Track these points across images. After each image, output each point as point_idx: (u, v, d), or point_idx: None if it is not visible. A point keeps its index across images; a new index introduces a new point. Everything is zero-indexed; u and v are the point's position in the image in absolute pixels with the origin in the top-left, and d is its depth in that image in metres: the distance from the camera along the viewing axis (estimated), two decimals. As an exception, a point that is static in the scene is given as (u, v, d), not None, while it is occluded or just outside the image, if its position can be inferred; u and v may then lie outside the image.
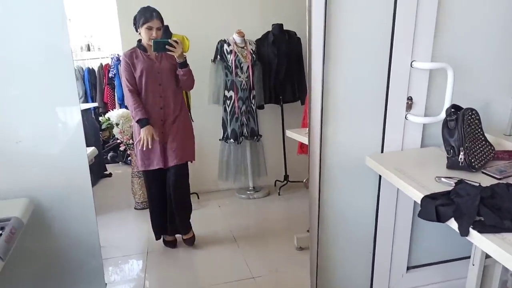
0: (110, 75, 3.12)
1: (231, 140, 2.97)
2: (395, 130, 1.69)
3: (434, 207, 1.16)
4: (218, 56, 2.89)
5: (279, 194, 3.10)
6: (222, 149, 3.04)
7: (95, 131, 2.81)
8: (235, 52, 2.87)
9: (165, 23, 2.25)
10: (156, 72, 2.24)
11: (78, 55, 3.13)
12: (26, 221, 1.27)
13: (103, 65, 3.18)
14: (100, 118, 2.69)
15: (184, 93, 2.42)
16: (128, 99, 2.25)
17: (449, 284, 2.00)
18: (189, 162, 2.48)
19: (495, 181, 1.30)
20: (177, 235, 2.53)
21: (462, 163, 1.38)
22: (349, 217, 1.82)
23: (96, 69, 3.22)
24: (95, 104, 3.12)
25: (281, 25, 2.92)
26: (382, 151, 1.72)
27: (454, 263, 2.00)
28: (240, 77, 2.90)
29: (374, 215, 1.82)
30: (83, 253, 1.58)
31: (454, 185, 1.24)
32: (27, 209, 1.32)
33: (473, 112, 1.44)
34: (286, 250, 2.39)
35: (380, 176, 1.73)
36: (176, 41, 2.13)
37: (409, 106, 1.67)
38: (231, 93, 2.91)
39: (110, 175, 3.06)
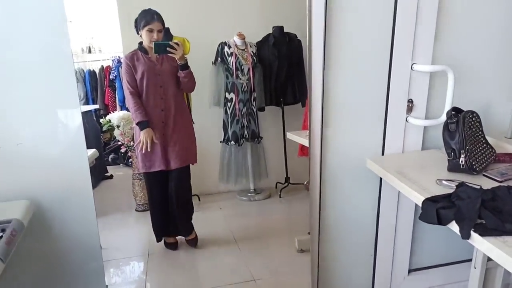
0: (111, 77, 3.12)
1: (232, 142, 2.98)
2: (396, 133, 1.69)
3: (435, 210, 1.16)
4: (219, 58, 2.90)
5: (280, 196, 3.10)
6: (223, 151, 3.04)
7: (96, 133, 2.82)
8: (236, 54, 2.87)
9: (166, 26, 2.25)
10: (157, 74, 2.24)
11: (79, 57, 3.14)
12: (26, 223, 1.27)
13: (104, 67, 3.19)
14: (101, 120, 2.70)
15: (184, 95, 2.42)
16: (129, 101, 2.26)
17: (451, 287, 1.99)
18: (190, 164, 2.49)
19: (496, 184, 1.29)
20: (178, 238, 2.53)
21: (463, 165, 1.38)
22: (350, 220, 1.81)
23: (97, 71, 3.23)
24: (96, 106, 3.13)
25: (282, 27, 2.93)
26: (383, 154, 1.72)
27: (456, 265, 1.99)
28: (240, 79, 2.90)
29: (375, 217, 1.82)
30: (84, 255, 1.58)
31: (455, 187, 1.24)
32: (27, 211, 1.32)
33: (474, 114, 1.44)
34: (287, 252, 2.39)
35: (381, 179, 1.73)
36: (177, 43, 2.14)
37: (409, 109, 1.66)
38: (232, 95, 2.91)
39: (111, 177, 3.06)
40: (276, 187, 3.17)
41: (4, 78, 1.35)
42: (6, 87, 1.36)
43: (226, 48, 2.89)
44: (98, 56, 3.17)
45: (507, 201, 1.12)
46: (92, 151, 1.86)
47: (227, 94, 2.93)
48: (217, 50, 2.91)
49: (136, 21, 2.22)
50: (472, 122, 1.43)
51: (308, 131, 1.65)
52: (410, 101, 1.65)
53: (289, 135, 2.51)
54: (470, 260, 1.69)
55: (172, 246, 2.49)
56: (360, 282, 1.93)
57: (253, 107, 2.98)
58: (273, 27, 2.94)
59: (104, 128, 2.67)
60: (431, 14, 1.56)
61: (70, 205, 1.50)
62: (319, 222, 1.76)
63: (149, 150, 2.23)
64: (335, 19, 1.51)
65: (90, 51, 3.16)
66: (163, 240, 2.50)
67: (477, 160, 1.40)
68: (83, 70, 3.20)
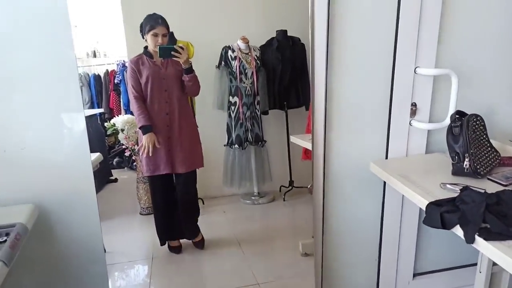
0: (115, 81, 3.14)
1: (236, 145, 2.98)
2: (400, 136, 1.68)
3: (439, 214, 1.15)
4: (223, 62, 2.91)
5: (284, 200, 3.10)
6: (227, 154, 3.05)
7: (101, 136, 2.83)
8: (240, 58, 2.88)
9: (170, 30, 2.27)
10: (161, 78, 2.25)
11: (85, 61, 3.17)
12: (30, 227, 1.28)
13: (109, 71, 3.21)
14: (106, 124, 2.71)
15: (189, 98, 2.43)
16: (133, 105, 2.27)
17: (456, 291, 1.98)
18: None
19: (501, 188, 1.28)
20: (183, 241, 2.54)
21: (467, 169, 1.37)
22: (354, 223, 1.80)
23: (102, 75, 3.25)
24: (101, 110, 3.15)
25: (285, 31, 2.94)
26: (386, 157, 1.71)
27: (461, 270, 1.97)
28: (244, 83, 2.91)
29: (379, 221, 1.81)
30: (88, 258, 1.59)
31: (459, 191, 1.23)
32: (31, 215, 1.33)
33: (478, 118, 1.43)
34: (291, 256, 2.39)
35: (384, 182, 1.72)
36: (181, 47, 2.15)
37: (413, 112, 1.66)
38: (236, 98, 2.92)
39: (115, 180, 3.08)
40: (280, 190, 3.17)
41: (8, 82, 1.36)
42: (11, 92, 1.37)
43: (229, 52, 2.90)
44: (103, 60, 3.19)
45: (511, 205, 1.11)
46: (96, 154, 1.87)
47: (230, 97, 2.94)
48: (221, 54, 2.92)
49: (141, 25, 2.23)
50: (476, 126, 1.42)
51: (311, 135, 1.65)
52: (414, 105, 1.65)
53: (293, 139, 2.51)
54: (475, 264, 1.67)
55: (176, 250, 2.49)
56: (364, 286, 1.91)
57: (256, 110, 2.99)
58: (276, 31, 2.95)
59: (109, 132, 2.69)
60: (434, 18, 1.56)
61: (74, 209, 1.50)
62: (322, 226, 1.75)
63: (150, 154, 2.24)
64: (337, 22, 1.52)
65: (95, 56, 3.19)
66: (167, 244, 2.50)
67: (482, 163, 1.39)
68: (88, 74, 3.23)
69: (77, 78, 1.41)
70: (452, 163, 1.43)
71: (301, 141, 2.35)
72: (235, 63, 2.88)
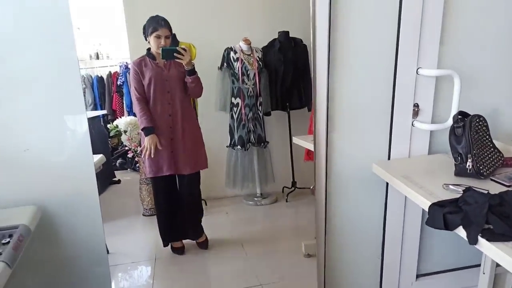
0: (118, 82, 3.15)
1: (238, 146, 2.98)
2: (402, 137, 1.68)
3: (441, 215, 1.15)
4: (225, 64, 2.91)
5: (286, 201, 3.09)
6: (229, 155, 3.05)
7: (104, 138, 2.84)
8: (242, 60, 2.88)
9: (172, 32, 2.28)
10: (164, 79, 2.26)
11: (87, 63, 3.18)
12: (33, 228, 1.28)
13: (112, 73, 3.22)
14: (109, 125, 2.72)
15: (191, 100, 2.44)
16: (136, 107, 2.28)
17: (460, 292, 1.97)
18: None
19: (504, 189, 1.28)
20: (186, 242, 2.54)
21: (470, 170, 1.37)
22: (357, 224, 1.80)
23: (105, 77, 3.26)
24: (104, 112, 3.16)
25: (287, 32, 2.94)
26: (389, 158, 1.71)
27: (464, 271, 1.96)
28: (246, 84, 2.91)
29: (382, 222, 1.81)
30: (90, 260, 1.59)
31: (462, 192, 1.23)
32: (34, 217, 1.33)
33: (481, 118, 1.42)
34: (294, 257, 2.38)
35: (387, 183, 1.72)
36: (184, 49, 2.15)
37: (415, 113, 1.65)
38: (238, 100, 2.92)
39: (118, 181, 3.09)
40: (282, 191, 3.17)
41: (11, 84, 1.37)
42: (13, 94, 1.38)
43: (232, 53, 2.90)
44: (105, 62, 3.20)
45: (515, 206, 1.11)
46: (99, 156, 1.87)
47: (233, 99, 2.94)
48: (223, 55, 2.93)
49: (144, 27, 2.24)
50: (479, 126, 1.41)
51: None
52: (416, 106, 1.64)
53: (295, 140, 2.51)
54: (479, 265, 1.67)
55: (179, 251, 2.50)
56: (367, 287, 1.91)
57: (259, 111, 2.99)
58: (278, 32, 2.95)
59: (112, 133, 2.70)
60: (436, 18, 1.55)
61: (76, 211, 1.51)
62: (325, 227, 1.75)
63: (152, 156, 2.24)
64: (339, 23, 1.51)
65: (98, 57, 3.20)
66: (170, 245, 2.51)
67: (485, 164, 1.38)
68: (91, 76, 3.24)
69: (79, 79, 1.41)
70: (455, 164, 1.42)
71: (303, 142, 2.35)
72: (237, 65, 2.88)
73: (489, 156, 1.41)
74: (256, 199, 3.16)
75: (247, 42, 2.91)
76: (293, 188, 3.10)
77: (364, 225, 1.81)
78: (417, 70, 1.59)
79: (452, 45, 1.63)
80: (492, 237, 1.02)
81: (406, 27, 1.53)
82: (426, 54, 1.58)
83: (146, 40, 2.26)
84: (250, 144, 3.02)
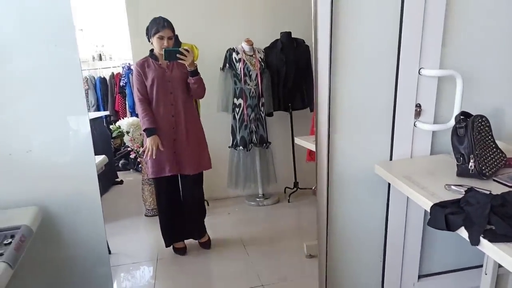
0: (121, 83, 3.17)
1: (240, 147, 2.99)
2: (404, 138, 1.67)
3: (443, 216, 1.14)
4: (227, 64, 2.92)
5: (288, 201, 3.10)
6: (232, 156, 3.06)
7: (106, 139, 2.86)
8: (244, 60, 2.89)
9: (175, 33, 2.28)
10: (167, 80, 2.26)
11: (90, 65, 3.20)
12: (35, 229, 1.28)
13: (115, 74, 3.24)
14: (111, 126, 2.73)
15: (193, 101, 2.44)
16: (138, 107, 2.28)
17: (462, 293, 1.97)
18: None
19: (507, 189, 1.27)
20: (188, 242, 2.54)
21: (472, 170, 1.36)
22: (358, 225, 1.80)
23: (107, 78, 3.28)
24: (107, 113, 3.18)
25: (290, 33, 2.94)
26: (391, 159, 1.71)
27: (466, 271, 1.96)
28: (249, 85, 2.91)
29: (383, 223, 1.80)
30: (92, 260, 1.59)
31: (464, 193, 1.22)
32: (36, 217, 1.34)
33: (483, 119, 1.42)
34: (295, 257, 2.38)
35: (389, 184, 1.71)
36: (187, 50, 2.16)
37: (417, 113, 1.65)
38: (240, 100, 2.92)
39: (121, 182, 3.10)
40: (284, 192, 3.18)
41: (13, 86, 1.37)
42: (15, 95, 1.38)
43: (234, 54, 2.91)
44: (108, 63, 3.22)
45: (517, 207, 1.10)
46: (101, 157, 1.88)
47: (235, 99, 2.94)
48: (225, 56, 2.93)
49: (147, 29, 2.25)
50: (481, 127, 1.41)
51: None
52: (418, 106, 1.64)
53: (297, 140, 2.51)
54: (481, 266, 1.66)
55: (181, 251, 2.50)
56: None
57: (261, 112, 2.99)
58: (280, 33, 2.96)
59: (114, 134, 2.71)
60: (438, 18, 1.55)
61: (78, 211, 1.51)
62: (326, 228, 1.75)
63: (154, 157, 2.24)
64: (341, 23, 1.51)
65: (100, 59, 3.22)
66: (171, 246, 2.51)
67: (487, 165, 1.38)
68: (94, 77, 3.26)
69: (81, 81, 1.42)
70: (457, 164, 1.42)
71: (305, 143, 2.35)
72: (239, 65, 2.89)
73: (492, 156, 1.41)
74: (258, 199, 3.17)
75: (249, 43, 2.92)
76: (295, 189, 3.11)
77: (366, 226, 1.80)
78: (419, 70, 1.59)
79: (454, 45, 1.63)
80: (494, 238, 1.02)
81: (408, 27, 1.53)
82: (428, 54, 1.58)
83: (149, 41, 2.26)
84: (252, 144, 3.02)
